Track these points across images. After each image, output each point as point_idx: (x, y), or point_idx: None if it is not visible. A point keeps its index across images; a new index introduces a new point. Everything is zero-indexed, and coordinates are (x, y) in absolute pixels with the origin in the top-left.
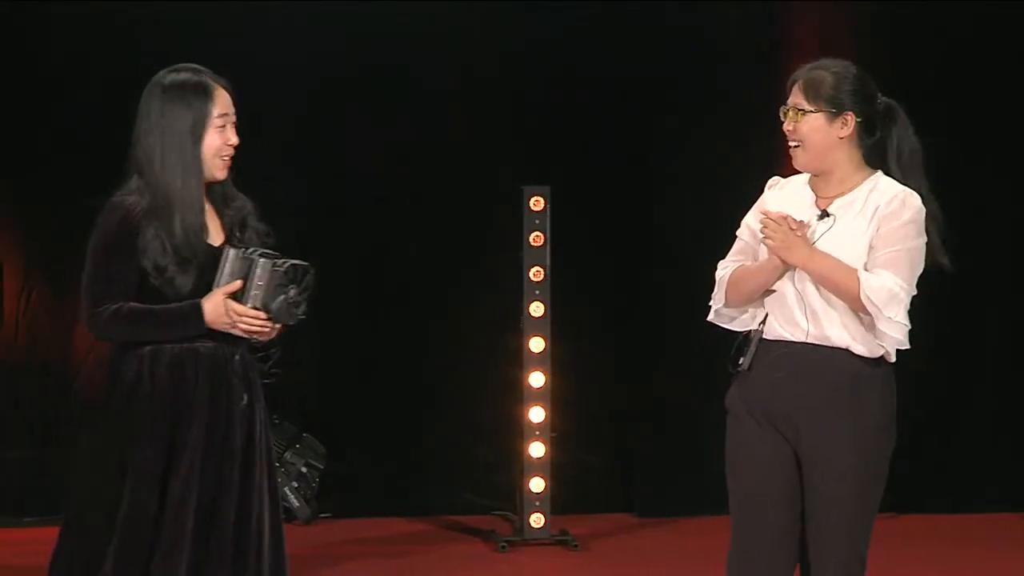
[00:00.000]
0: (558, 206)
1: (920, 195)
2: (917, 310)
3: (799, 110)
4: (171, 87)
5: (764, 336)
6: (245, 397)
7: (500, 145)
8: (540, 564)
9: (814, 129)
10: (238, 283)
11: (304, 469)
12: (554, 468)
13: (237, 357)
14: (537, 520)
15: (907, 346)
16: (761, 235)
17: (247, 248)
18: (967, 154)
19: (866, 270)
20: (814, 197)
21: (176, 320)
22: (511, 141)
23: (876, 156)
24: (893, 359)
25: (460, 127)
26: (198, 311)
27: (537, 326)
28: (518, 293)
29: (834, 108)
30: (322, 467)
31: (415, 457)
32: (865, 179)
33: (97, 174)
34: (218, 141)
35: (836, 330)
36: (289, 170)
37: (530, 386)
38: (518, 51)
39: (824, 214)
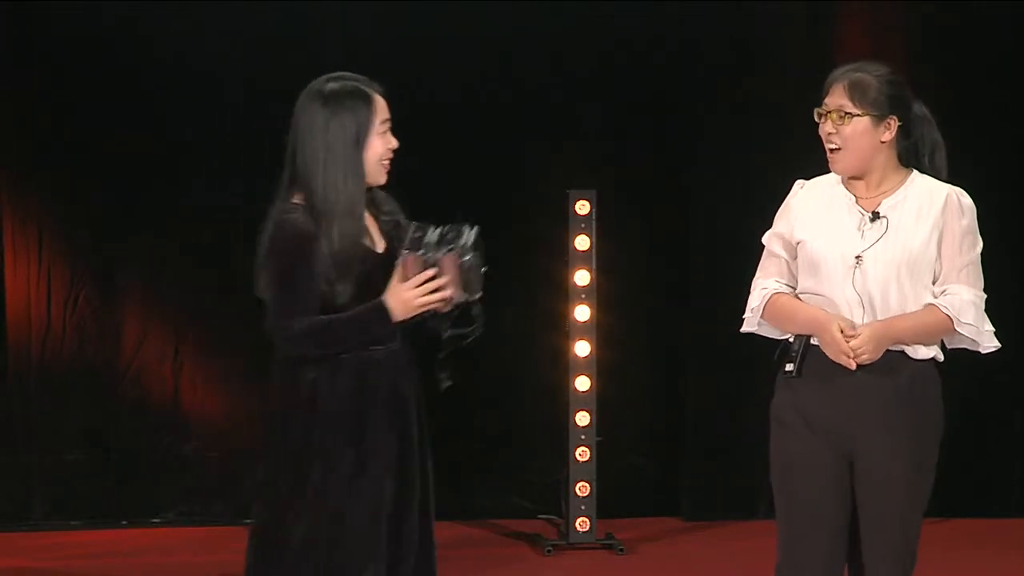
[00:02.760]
0: (605, 209)
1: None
2: None
3: (845, 113)
4: (332, 96)
5: (812, 341)
6: (444, 383)
7: (546, 148)
8: (586, 568)
9: (859, 133)
10: (427, 273)
11: None
12: (600, 472)
13: (406, 360)
14: (583, 524)
15: (999, 345)
16: (852, 358)
17: (423, 252)
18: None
19: (935, 274)
20: (853, 198)
21: (367, 324)
22: (557, 144)
23: (909, 155)
24: (941, 360)
25: (506, 130)
26: (383, 310)
27: (582, 330)
28: (564, 297)
29: (879, 112)
30: None
31: (461, 460)
32: (904, 179)
33: (148, 178)
34: (381, 147)
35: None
36: None
37: (576, 390)
38: (565, 55)
39: (876, 215)
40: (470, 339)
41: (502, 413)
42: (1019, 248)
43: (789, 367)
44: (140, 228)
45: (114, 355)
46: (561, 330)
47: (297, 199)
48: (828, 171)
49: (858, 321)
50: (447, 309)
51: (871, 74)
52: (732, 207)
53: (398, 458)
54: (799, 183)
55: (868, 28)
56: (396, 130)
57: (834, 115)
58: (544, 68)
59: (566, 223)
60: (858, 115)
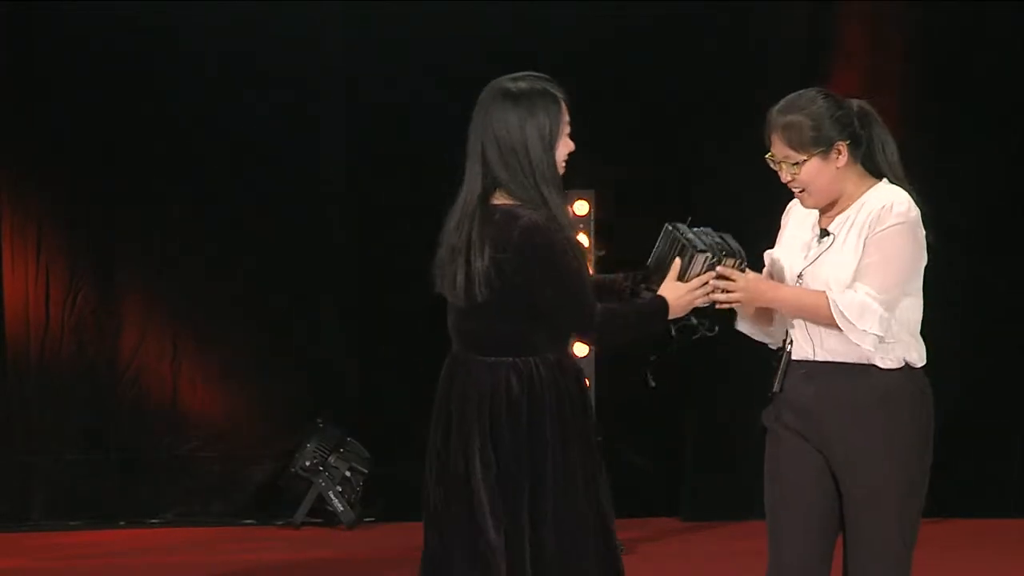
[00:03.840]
0: (602, 210)
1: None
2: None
3: (793, 163)
4: (522, 96)
5: (793, 356)
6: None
7: None
8: None
9: (815, 174)
10: (710, 274)
11: (348, 473)
12: None
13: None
14: None
15: (872, 349)
16: (721, 298)
17: (712, 255)
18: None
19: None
20: (818, 215)
21: (648, 317)
22: None
23: (869, 160)
24: (919, 365)
25: None
26: (665, 305)
27: None
28: None
29: (824, 147)
30: (366, 471)
31: None
32: (864, 191)
33: (147, 178)
34: (564, 150)
35: (846, 347)
36: (333, 171)
37: None
38: (563, 56)
39: (824, 233)
40: (699, 336)
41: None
42: (1009, 248)
43: (773, 384)
44: (139, 228)
45: (113, 355)
46: None
47: (501, 198)
48: None
49: (801, 339)
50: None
51: (801, 112)
52: (734, 208)
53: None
54: (791, 204)
55: (868, 28)
56: (400, 130)
57: (784, 164)
58: (544, 66)
59: None
60: (805, 159)
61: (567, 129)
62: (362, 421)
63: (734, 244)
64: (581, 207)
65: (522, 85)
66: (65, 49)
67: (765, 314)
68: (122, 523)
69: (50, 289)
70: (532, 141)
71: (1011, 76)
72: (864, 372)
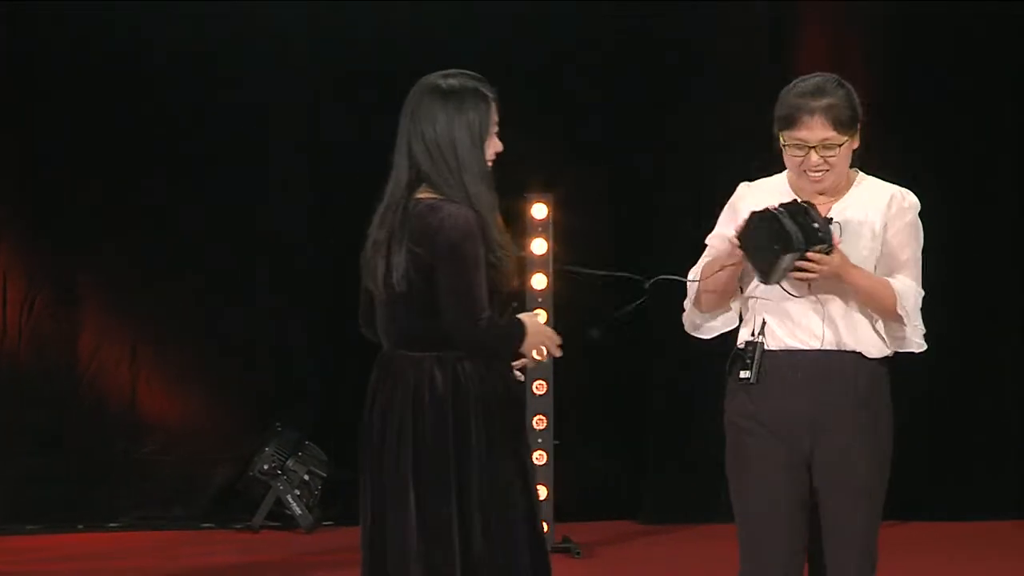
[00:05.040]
0: (560, 214)
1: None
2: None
3: (832, 144)
4: (452, 93)
5: (767, 347)
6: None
7: (503, 152)
8: None
9: (845, 155)
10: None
11: (306, 477)
12: (557, 476)
13: None
14: None
15: (925, 347)
16: (808, 274)
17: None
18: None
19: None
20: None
21: (517, 337)
22: (513, 148)
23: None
24: (892, 354)
25: None
26: (524, 333)
27: None
28: (520, 301)
29: (854, 129)
30: (325, 475)
31: None
32: (851, 181)
33: (106, 182)
34: (491, 149)
35: (853, 336)
36: (290, 171)
37: (533, 394)
38: (523, 58)
39: (829, 221)
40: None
41: None
42: (977, 244)
43: (745, 374)
44: (98, 232)
45: (72, 359)
46: None
47: (425, 193)
48: (774, 170)
49: (816, 325)
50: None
51: (835, 95)
52: (694, 210)
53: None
54: (744, 185)
55: (829, 29)
56: (341, 128)
57: (818, 148)
58: (501, 68)
59: (523, 227)
60: (844, 141)
61: (495, 128)
62: (320, 424)
63: (820, 221)
64: (539, 210)
65: (452, 82)
66: (23, 51)
67: (725, 297)
68: (80, 527)
69: (8, 293)
70: (460, 138)
71: (978, 74)
72: (853, 359)
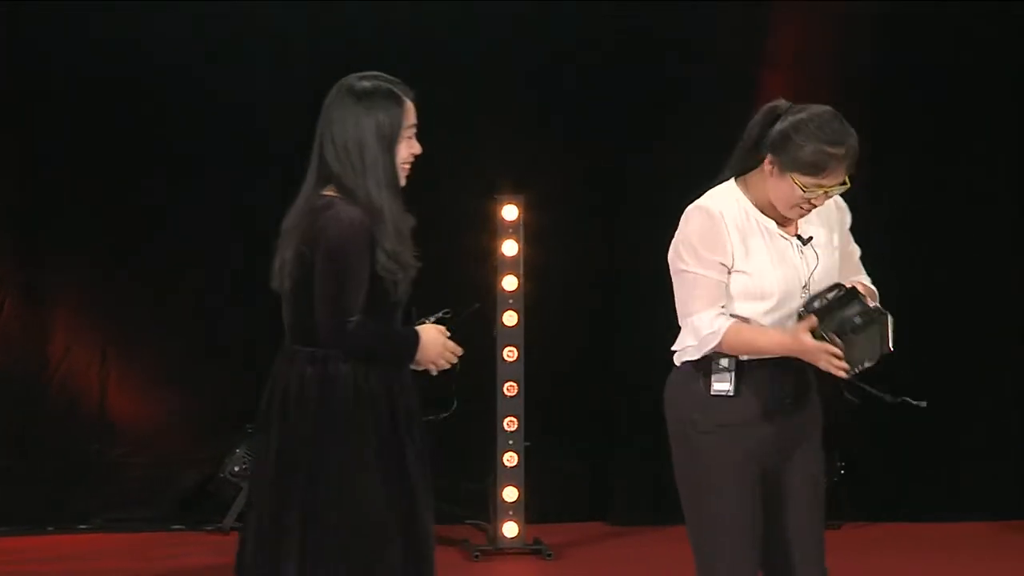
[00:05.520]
0: (531, 215)
1: None
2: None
3: (842, 183)
4: (364, 95)
5: (742, 357)
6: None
7: (472, 153)
8: (513, 573)
9: None
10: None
11: None
12: (528, 477)
13: (412, 374)
14: (511, 529)
15: None
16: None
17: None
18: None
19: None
20: (772, 223)
21: (403, 345)
22: (484, 149)
23: None
24: None
25: (432, 134)
26: (416, 343)
27: (510, 336)
28: (491, 303)
29: None
30: None
31: None
32: None
33: (74, 182)
34: (405, 151)
35: None
36: (260, 175)
37: (504, 395)
38: (493, 59)
39: (806, 239)
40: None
41: (429, 419)
42: (948, 245)
43: (723, 386)
44: (66, 234)
45: (41, 361)
46: (489, 336)
47: (330, 191)
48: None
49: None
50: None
51: (856, 141)
52: (665, 213)
53: (408, 462)
54: (708, 210)
55: (800, 30)
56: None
57: (833, 190)
58: (475, 73)
59: (494, 228)
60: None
61: (411, 131)
62: None
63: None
64: (510, 212)
65: (366, 84)
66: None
67: None
68: (50, 529)
69: None
70: (368, 139)
71: (941, 79)
72: (810, 368)
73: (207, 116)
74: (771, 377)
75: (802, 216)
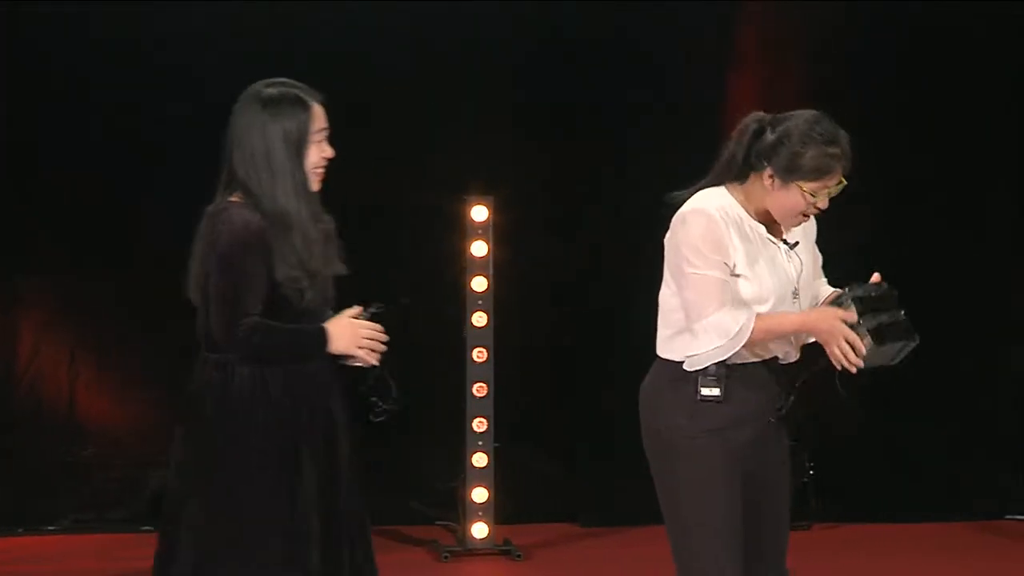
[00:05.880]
0: (501, 216)
1: None
2: None
3: (841, 183)
4: (270, 101)
5: (728, 361)
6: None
7: (441, 154)
8: (483, 574)
9: None
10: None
11: None
12: (498, 478)
13: (338, 377)
14: (480, 530)
15: None
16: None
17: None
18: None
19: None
20: (763, 228)
21: (308, 342)
22: (453, 150)
23: None
24: None
25: (401, 134)
26: (325, 337)
27: (480, 336)
28: (461, 303)
29: None
30: None
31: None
32: None
33: (41, 182)
34: (316, 155)
35: (799, 343)
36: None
37: (474, 396)
38: (462, 60)
39: (793, 244)
40: (382, 416)
41: (400, 418)
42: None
43: (713, 391)
44: (35, 233)
45: (10, 361)
46: (459, 336)
47: (236, 198)
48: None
49: (795, 347)
50: (372, 363)
51: (848, 142)
52: (634, 213)
53: (316, 464)
54: (706, 212)
55: (770, 31)
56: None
57: (832, 191)
58: (443, 72)
59: (463, 229)
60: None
61: (320, 136)
62: None
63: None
64: (480, 213)
65: (272, 91)
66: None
67: None
68: (20, 531)
69: None
70: (276, 146)
71: (910, 82)
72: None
73: (192, 116)
74: (757, 379)
75: (802, 223)
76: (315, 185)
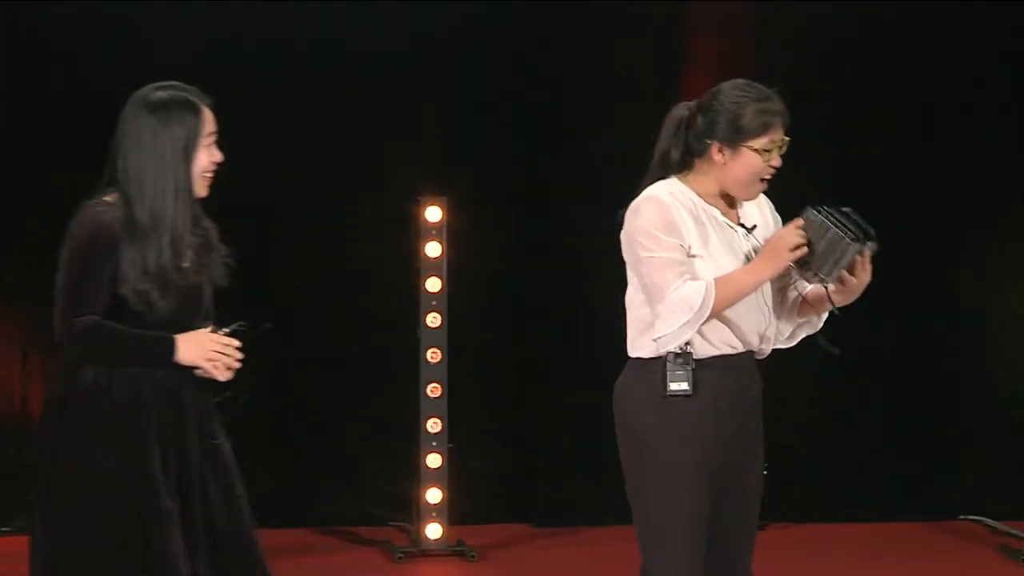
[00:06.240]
0: (455, 217)
1: None
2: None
3: (785, 143)
4: (159, 105)
5: (695, 356)
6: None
7: (394, 154)
8: (437, 575)
9: None
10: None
11: None
12: (451, 479)
13: (194, 384)
14: (434, 530)
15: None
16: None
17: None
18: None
19: None
20: (717, 211)
21: (149, 348)
22: (407, 150)
23: None
24: None
25: (354, 134)
26: (172, 347)
27: (433, 337)
28: (415, 304)
29: None
30: None
31: (313, 468)
32: None
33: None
34: (205, 160)
35: (773, 338)
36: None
37: (427, 396)
38: (415, 59)
39: (745, 227)
40: (232, 408)
41: (353, 420)
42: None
43: (681, 386)
44: (35, 233)
45: None
46: (413, 337)
47: (110, 199)
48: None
49: (766, 329)
50: (224, 378)
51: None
52: (588, 213)
53: (166, 469)
54: (660, 197)
55: (717, 30)
56: (231, 136)
57: (780, 148)
58: (395, 74)
59: (416, 230)
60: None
61: (210, 140)
62: None
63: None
64: (434, 213)
65: (161, 95)
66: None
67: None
68: None
69: None
70: (163, 151)
71: (868, 81)
72: (755, 364)
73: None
74: (726, 373)
75: (762, 190)
76: (203, 191)
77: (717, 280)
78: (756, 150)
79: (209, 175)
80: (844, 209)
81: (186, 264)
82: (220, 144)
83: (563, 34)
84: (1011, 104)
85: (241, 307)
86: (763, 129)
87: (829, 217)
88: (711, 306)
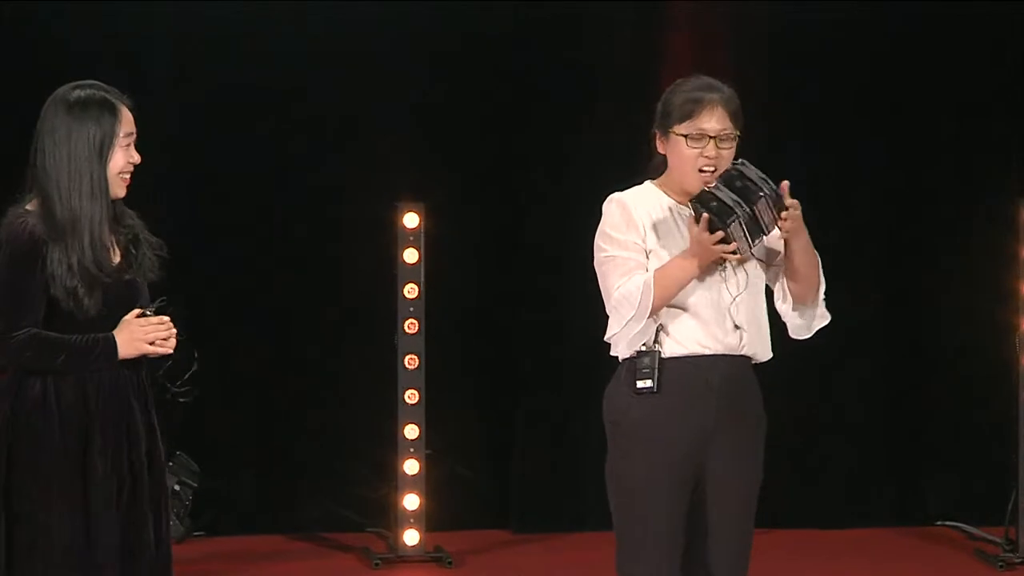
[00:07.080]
0: (432, 223)
1: None
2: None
3: (730, 136)
4: (76, 104)
5: (664, 354)
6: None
7: (372, 160)
8: None
9: (732, 153)
10: (163, 319)
11: (177, 487)
12: (429, 485)
13: (136, 379)
14: (411, 537)
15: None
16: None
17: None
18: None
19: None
20: (688, 209)
21: (90, 353)
22: (385, 156)
23: None
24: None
25: (331, 141)
26: (112, 345)
27: (411, 344)
28: (392, 310)
29: (741, 125)
30: (196, 485)
31: (290, 474)
32: None
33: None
34: (122, 160)
35: (755, 338)
36: (161, 187)
37: (405, 403)
38: (393, 63)
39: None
40: (184, 397)
41: (331, 426)
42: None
43: (645, 384)
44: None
45: None
46: (390, 343)
47: (31, 205)
48: (640, 174)
49: (728, 329)
50: (170, 351)
51: (730, 91)
52: (568, 219)
53: (116, 473)
54: (622, 198)
55: (693, 31)
56: (214, 143)
57: (717, 139)
58: (374, 80)
59: (394, 236)
60: (736, 135)
61: (128, 140)
62: (191, 434)
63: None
64: (411, 219)
65: (79, 93)
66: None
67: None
68: None
69: None
70: (79, 150)
71: (843, 84)
72: (746, 363)
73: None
74: (696, 372)
75: (709, 181)
76: (120, 191)
77: (655, 272)
78: (682, 136)
79: (126, 176)
80: (737, 164)
81: (114, 261)
82: (138, 146)
83: (542, 36)
84: (992, 104)
85: (229, 306)
86: (687, 115)
87: (718, 202)
88: (651, 299)
